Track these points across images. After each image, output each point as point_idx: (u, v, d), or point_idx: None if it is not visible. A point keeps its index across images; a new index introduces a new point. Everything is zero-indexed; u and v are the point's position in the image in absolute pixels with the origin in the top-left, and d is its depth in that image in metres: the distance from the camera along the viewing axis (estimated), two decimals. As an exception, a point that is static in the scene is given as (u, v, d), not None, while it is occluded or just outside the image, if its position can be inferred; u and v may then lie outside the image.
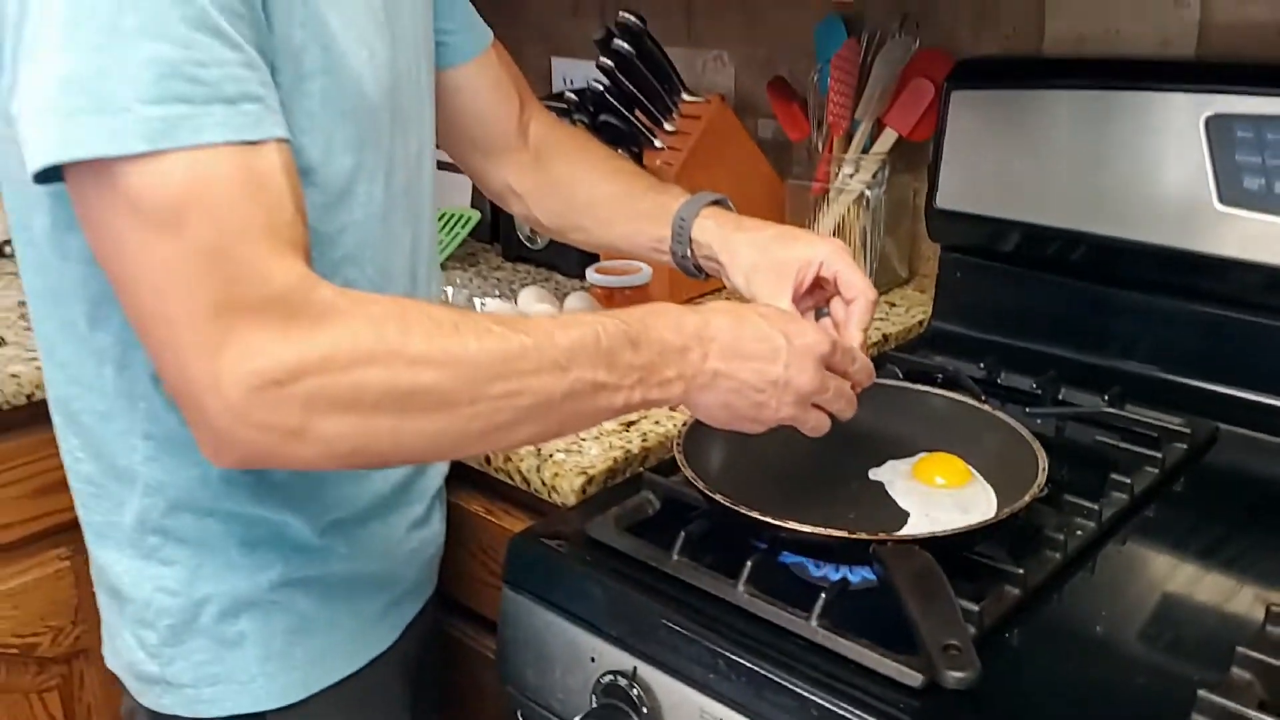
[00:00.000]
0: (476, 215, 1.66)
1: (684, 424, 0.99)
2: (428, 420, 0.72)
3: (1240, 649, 0.76)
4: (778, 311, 0.87)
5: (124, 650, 0.93)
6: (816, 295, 0.97)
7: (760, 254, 0.97)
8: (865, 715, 0.76)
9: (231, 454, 0.70)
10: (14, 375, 1.33)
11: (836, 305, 0.95)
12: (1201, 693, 0.72)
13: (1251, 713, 0.70)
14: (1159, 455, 1.04)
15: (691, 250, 1.03)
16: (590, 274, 1.35)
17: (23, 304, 1.56)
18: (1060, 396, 1.18)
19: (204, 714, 0.90)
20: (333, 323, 0.69)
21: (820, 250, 0.95)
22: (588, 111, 1.40)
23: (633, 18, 1.39)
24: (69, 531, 1.40)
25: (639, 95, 1.42)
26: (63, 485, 1.37)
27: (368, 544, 0.94)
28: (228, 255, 0.67)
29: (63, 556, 1.42)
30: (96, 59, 0.66)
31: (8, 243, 1.78)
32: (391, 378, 0.70)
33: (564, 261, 1.57)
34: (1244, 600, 0.88)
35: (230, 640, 0.89)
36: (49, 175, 0.68)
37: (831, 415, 0.87)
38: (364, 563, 0.94)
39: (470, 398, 0.72)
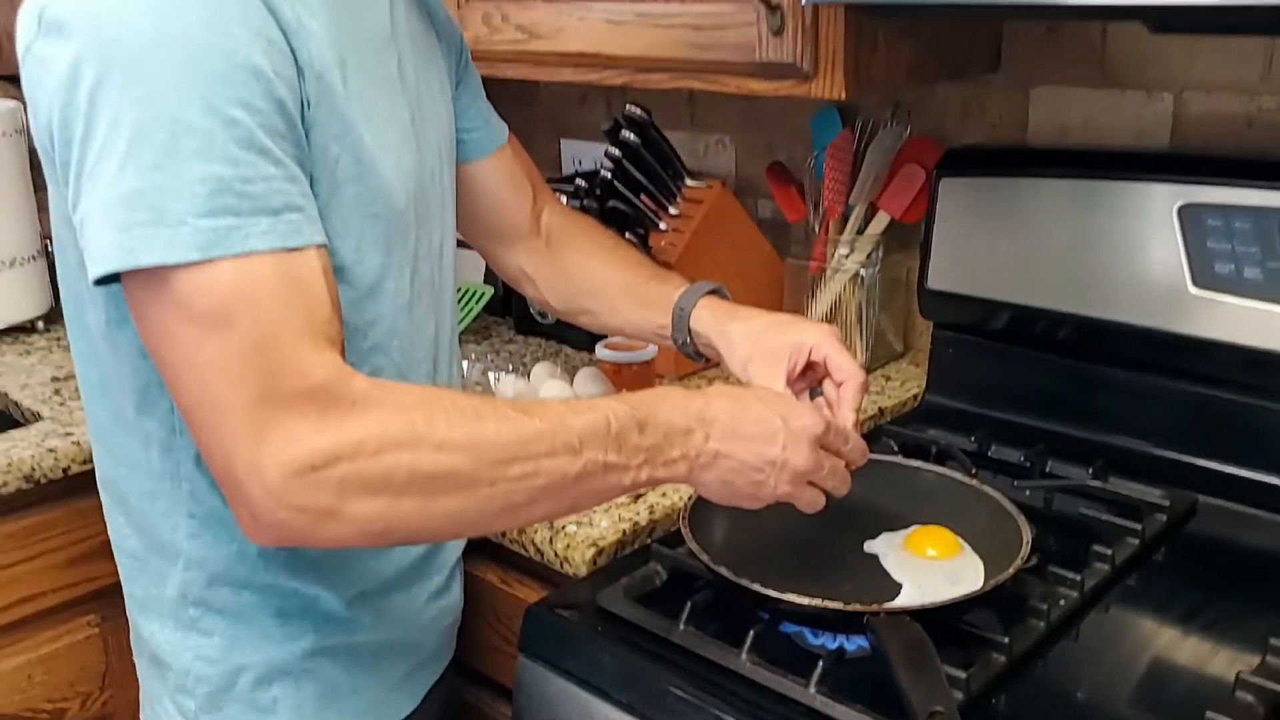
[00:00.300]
0: (490, 291, 1.73)
1: (690, 497, 1.05)
2: (451, 500, 0.78)
3: (1210, 713, 0.82)
4: (775, 395, 0.94)
5: (163, 716, 0.98)
6: (809, 377, 1.03)
7: (754, 342, 1.04)
8: (859, 774, 0.81)
9: (270, 533, 0.77)
10: (51, 450, 1.39)
11: (828, 387, 1.02)
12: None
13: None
14: (1139, 527, 1.10)
15: (691, 338, 1.09)
16: (599, 350, 1.42)
17: (56, 380, 1.63)
18: (1048, 469, 1.24)
19: (238, 777, 0.95)
20: (365, 412, 0.75)
21: (810, 336, 1.02)
22: (596, 197, 1.48)
23: (638, 110, 1.48)
24: (99, 600, 1.47)
25: (644, 181, 1.49)
26: (94, 555, 1.45)
27: (391, 614, 1.00)
28: (271, 352, 0.74)
29: (93, 624, 1.48)
30: (155, 177, 0.73)
31: (40, 319, 1.85)
32: (418, 462, 0.76)
33: (574, 336, 1.63)
34: (1217, 665, 0.93)
35: (264, 706, 0.94)
36: (107, 278, 0.75)
37: (827, 492, 0.93)
38: (388, 631, 1.00)
39: (490, 479, 0.78)
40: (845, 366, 1.00)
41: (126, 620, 1.43)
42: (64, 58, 0.75)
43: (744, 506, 0.92)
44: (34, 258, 1.84)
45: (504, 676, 1.20)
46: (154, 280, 0.74)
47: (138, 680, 1.44)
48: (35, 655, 1.43)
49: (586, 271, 1.18)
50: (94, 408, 0.94)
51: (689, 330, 1.09)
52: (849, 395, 0.99)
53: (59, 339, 1.82)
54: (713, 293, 1.11)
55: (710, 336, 1.08)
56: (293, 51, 0.80)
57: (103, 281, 0.76)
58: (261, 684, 0.94)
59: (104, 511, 0.98)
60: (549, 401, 0.90)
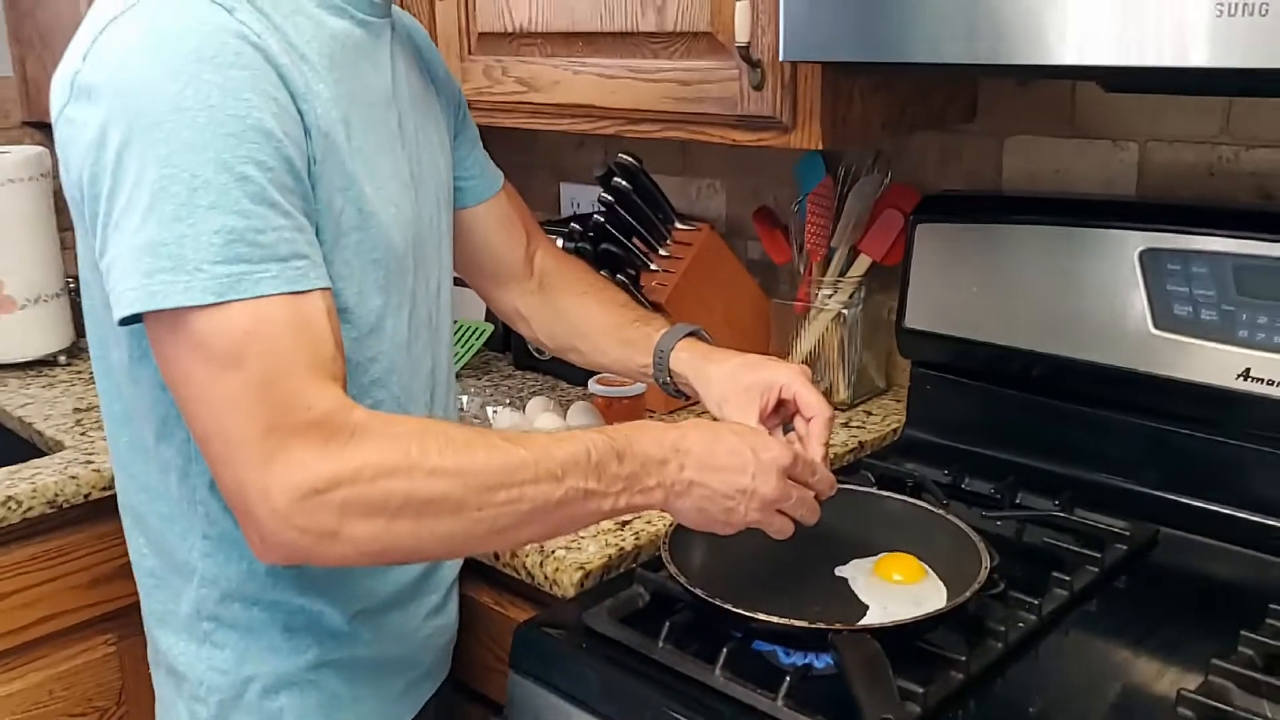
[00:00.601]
0: (489, 328, 1.81)
1: (670, 525, 1.11)
2: (443, 524, 0.85)
3: (1148, 725, 0.88)
4: (747, 428, 1.00)
5: (174, 723, 1.05)
6: (781, 413, 1.10)
7: (728, 382, 1.11)
8: (820, 782, 0.87)
9: (277, 552, 0.83)
10: (73, 477, 1.46)
11: (799, 423, 1.09)
12: (1109, 764, 0.84)
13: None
14: (1100, 555, 1.16)
15: (670, 378, 1.17)
16: (592, 385, 1.49)
17: (77, 410, 1.71)
18: (1017, 500, 1.30)
19: (246, 781, 1.02)
20: (363, 441, 0.82)
21: (781, 375, 1.09)
22: (590, 239, 1.56)
23: (630, 159, 1.55)
24: (116, 619, 1.54)
25: (635, 224, 1.57)
26: (113, 577, 1.52)
27: (390, 630, 1.07)
28: (278, 387, 0.81)
29: (110, 642, 1.54)
30: (175, 228, 0.80)
31: (61, 353, 1.93)
32: (412, 488, 0.83)
33: (569, 372, 1.70)
34: (1164, 684, 0.99)
35: (271, 714, 1.01)
36: (130, 318, 0.83)
37: (795, 520, 1.00)
38: (387, 647, 1.07)
39: (478, 504, 0.85)
40: (813, 403, 1.07)
41: (142, 639, 1.50)
42: (94, 120, 0.83)
43: (717, 532, 0.98)
44: (57, 295, 1.93)
45: (497, 694, 1.26)
46: (173, 321, 0.82)
47: (152, 696, 1.51)
48: (55, 672, 1.50)
49: (576, 313, 1.25)
50: (116, 437, 1.01)
51: (669, 370, 1.17)
52: (817, 430, 1.06)
53: (80, 373, 1.90)
54: (692, 334, 1.18)
55: (688, 377, 1.15)
56: (300, 113, 0.88)
57: (127, 321, 0.83)
58: (269, 693, 1.01)
59: (125, 533, 1.05)
60: (534, 434, 0.97)
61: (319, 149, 0.90)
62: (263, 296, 0.82)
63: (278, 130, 0.85)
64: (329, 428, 0.82)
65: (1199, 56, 0.90)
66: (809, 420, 1.07)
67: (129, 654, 1.56)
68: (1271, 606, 1.05)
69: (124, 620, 1.55)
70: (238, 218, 0.81)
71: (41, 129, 2.06)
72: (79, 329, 2.00)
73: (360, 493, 0.81)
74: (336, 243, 0.92)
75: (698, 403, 1.17)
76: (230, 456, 0.82)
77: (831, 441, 1.10)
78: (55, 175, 1.95)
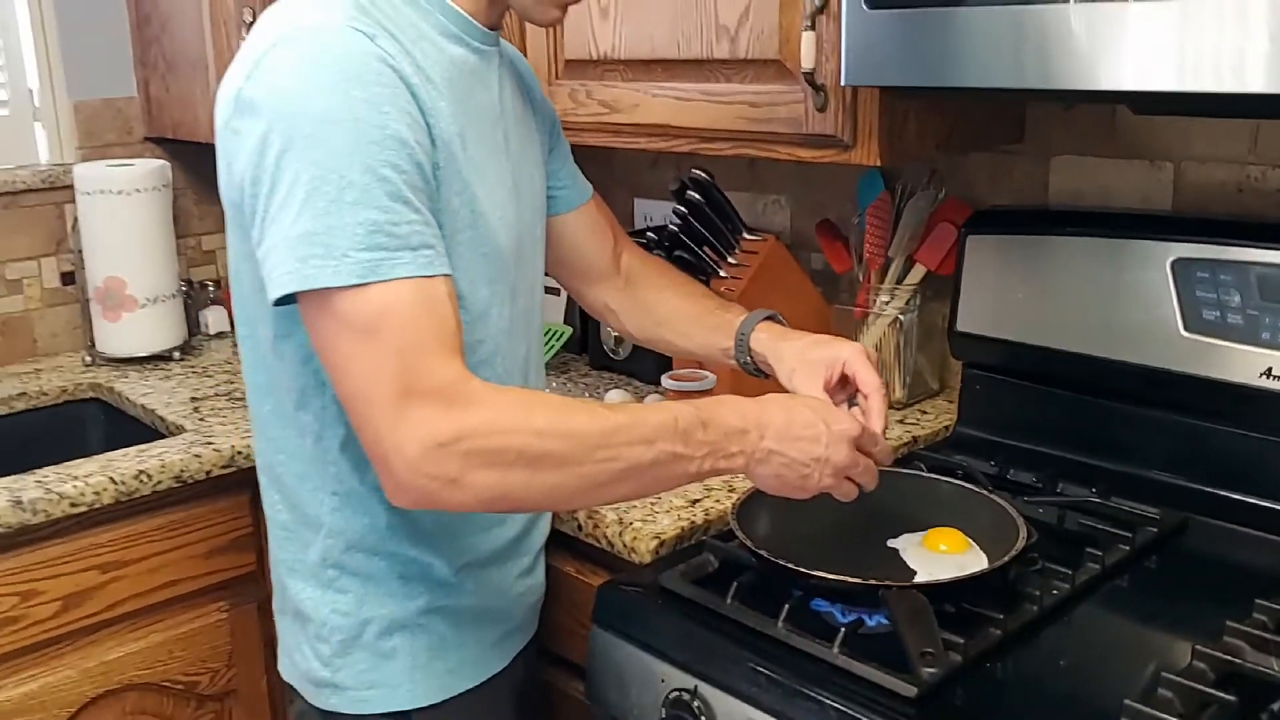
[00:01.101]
0: (569, 331, 1.95)
1: (737, 500, 1.24)
2: (550, 476, 0.98)
3: (1164, 674, 0.99)
4: (820, 402, 1.13)
5: (300, 662, 1.19)
6: (847, 389, 1.22)
7: (798, 358, 1.24)
8: (869, 715, 0.99)
9: (407, 497, 0.97)
10: (196, 455, 1.63)
11: (861, 399, 1.21)
12: (1127, 701, 0.95)
13: (1164, 716, 0.93)
14: (1131, 535, 1.27)
15: (751, 357, 1.30)
16: (665, 380, 1.63)
17: (194, 399, 1.88)
18: (1058, 489, 1.41)
19: (362, 710, 1.16)
20: (480, 405, 0.96)
21: (844, 352, 1.21)
22: (664, 248, 1.69)
23: (702, 173, 1.69)
24: (227, 589, 1.71)
25: (706, 234, 1.71)
26: (226, 549, 1.69)
27: (488, 585, 1.21)
28: (409, 356, 0.95)
29: (223, 609, 1.71)
30: (326, 220, 0.95)
31: (176, 349, 2.11)
32: (523, 444, 0.96)
33: (642, 369, 1.84)
34: (1183, 643, 1.08)
35: (385, 653, 1.15)
36: (284, 299, 0.98)
37: (859, 486, 1.12)
38: (485, 599, 1.21)
39: (580, 460, 0.98)
40: (869, 380, 1.19)
41: (249, 608, 1.68)
42: (257, 130, 0.98)
43: (793, 496, 1.10)
44: (173, 296, 2.11)
45: (576, 656, 1.40)
46: (323, 300, 0.96)
47: (258, 660, 1.68)
48: (176, 633, 1.66)
49: (661, 305, 1.39)
50: (259, 405, 1.16)
51: (749, 350, 1.30)
52: (876, 405, 1.18)
53: (193, 366, 2.07)
54: (769, 318, 1.31)
55: (765, 354, 1.28)
56: (427, 126, 1.02)
57: (281, 302, 0.98)
58: (384, 634, 1.15)
59: (261, 491, 1.21)
60: (628, 404, 1.10)
61: (441, 157, 1.04)
62: (397, 279, 0.96)
63: (410, 139, 0.99)
64: (452, 392, 0.95)
65: (1225, 82, 1.01)
66: (865, 397, 1.19)
67: (238, 621, 1.73)
68: (1286, 579, 1.15)
69: (234, 590, 1.72)
70: (378, 212, 0.96)
71: (161, 144, 2.25)
72: (191, 327, 2.19)
73: (479, 446, 0.95)
74: (453, 238, 1.07)
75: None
76: (370, 414, 0.96)
77: (888, 437, 1.22)
78: (175, 187, 2.13)
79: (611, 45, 1.64)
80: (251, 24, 1.87)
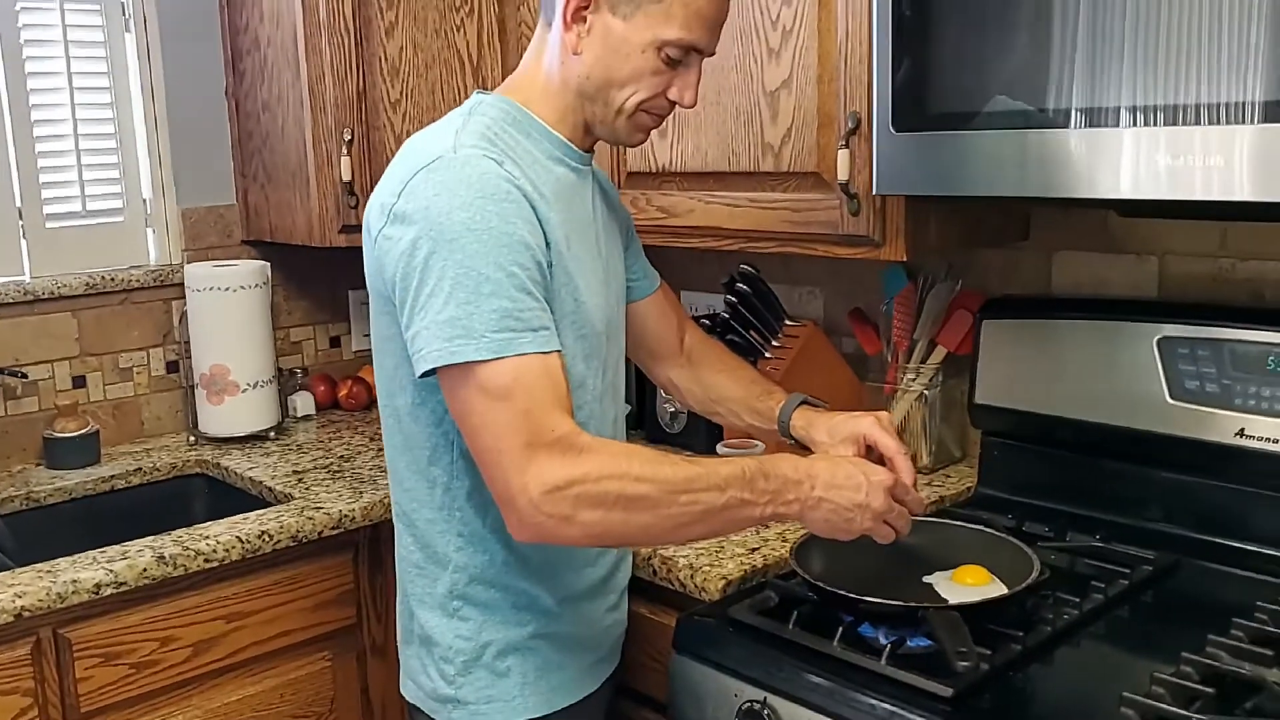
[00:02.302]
0: (628, 407, 2.18)
1: (792, 545, 1.46)
2: (643, 516, 1.20)
3: (1157, 674, 1.20)
4: (859, 460, 1.35)
5: (425, 682, 1.40)
6: (873, 455, 1.43)
7: (830, 434, 1.47)
8: (914, 712, 1.20)
9: (528, 532, 1.20)
10: (310, 518, 1.85)
11: (889, 461, 1.41)
12: (1125, 694, 1.16)
13: (1156, 704, 1.14)
14: (1130, 572, 1.48)
15: (791, 436, 1.53)
16: (720, 448, 1.86)
17: (297, 472, 2.11)
18: (1067, 537, 1.63)
19: (482, 721, 1.37)
20: (590, 456, 1.19)
21: (862, 425, 1.43)
22: (717, 332, 1.94)
23: (749, 268, 1.95)
24: (331, 640, 1.91)
25: (754, 321, 1.95)
26: (330, 603, 1.91)
27: (583, 616, 1.43)
28: (533, 416, 1.18)
29: (326, 659, 1.91)
30: (467, 308, 1.19)
31: (272, 429, 2.34)
32: (623, 488, 1.19)
33: (695, 441, 2.07)
34: (1174, 654, 1.29)
35: (501, 672, 1.37)
36: (428, 372, 1.21)
37: (896, 530, 1.33)
38: (581, 628, 1.42)
39: (668, 504, 1.20)
40: (888, 445, 1.41)
41: (350, 657, 1.88)
42: (408, 237, 1.22)
43: (840, 538, 1.31)
44: (270, 381, 2.35)
45: (650, 688, 1.60)
46: (464, 372, 1.20)
47: (356, 706, 1.88)
48: (285, 680, 1.86)
49: (718, 387, 1.63)
50: (395, 461, 1.39)
51: (789, 428, 1.53)
52: (900, 465, 1.39)
53: (288, 444, 2.31)
54: (804, 403, 1.54)
55: (802, 438, 1.51)
56: (544, 232, 1.27)
57: (427, 374, 1.22)
58: (501, 656, 1.36)
59: (396, 535, 1.43)
60: (703, 457, 1.32)
61: (553, 256, 1.29)
62: (524, 354, 1.20)
63: (532, 242, 1.24)
64: (566, 444, 1.18)
65: (1197, 191, 1.25)
66: (890, 459, 1.40)
67: (340, 669, 1.93)
68: (1259, 604, 1.36)
69: (337, 641, 1.93)
70: (508, 301, 1.20)
71: (257, 245, 2.52)
72: (284, 409, 2.43)
73: (588, 490, 1.17)
74: (560, 322, 1.30)
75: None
76: (500, 462, 1.19)
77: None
78: (273, 285, 2.39)
79: (669, 160, 1.90)
80: (350, 141, 2.16)
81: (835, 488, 1.28)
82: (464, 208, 1.21)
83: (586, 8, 1.29)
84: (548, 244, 1.27)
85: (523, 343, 1.20)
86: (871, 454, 1.44)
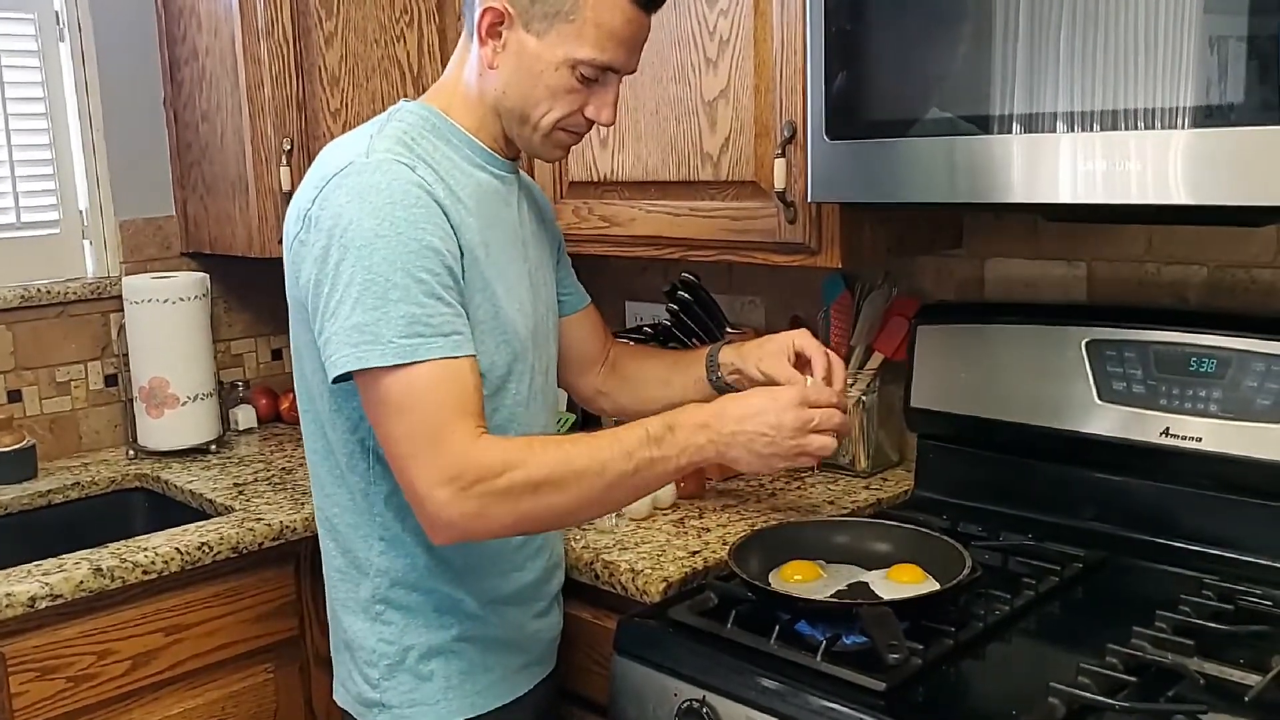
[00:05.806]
0: (571, 417, 2.20)
1: (732, 547, 1.48)
2: (553, 498, 1.21)
3: (1083, 664, 1.23)
4: (765, 388, 1.36)
5: (352, 687, 1.41)
6: (806, 369, 1.44)
7: (759, 350, 1.49)
8: (848, 706, 1.22)
9: (443, 534, 1.22)
10: (250, 529, 1.84)
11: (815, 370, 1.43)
12: (1052, 684, 1.19)
13: (1082, 694, 1.17)
14: (1060, 569, 1.52)
15: (722, 371, 1.53)
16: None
17: (237, 485, 2.09)
18: (1000, 537, 1.66)
19: (406, 727, 1.37)
20: (489, 450, 1.20)
21: (792, 334, 1.46)
22: (659, 340, 1.96)
23: (692, 276, 1.97)
24: (272, 652, 1.90)
25: (696, 329, 1.97)
26: (272, 615, 1.90)
27: (510, 621, 1.43)
28: (439, 420, 1.19)
29: (269, 670, 1.90)
30: (374, 314, 1.20)
31: (212, 442, 2.33)
32: (527, 475, 1.20)
33: (639, 451, 2.08)
34: (1102, 645, 1.32)
35: (424, 675, 1.37)
36: (340, 378, 1.21)
37: (832, 435, 1.31)
38: (507, 632, 1.43)
39: (574, 481, 1.22)
40: (813, 346, 1.43)
41: (293, 668, 1.88)
42: (320, 243, 1.23)
43: (774, 467, 1.31)
44: (210, 394, 2.33)
45: (592, 690, 1.61)
46: (372, 378, 1.20)
47: (300, 718, 1.87)
48: (228, 692, 1.85)
49: (639, 371, 1.64)
50: (317, 467, 1.39)
51: (719, 365, 1.53)
52: (819, 364, 1.41)
53: (229, 457, 2.29)
54: (727, 344, 1.56)
55: (734, 361, 1.52)
56: (457, 238, 1.27)
57: (339, 380, 1.22)
58: (423, 659, 1.37)
59: (320, 540, 1.43)
60: (605, 430, 1.32)
61: (467, 263, 1.29)
62: (431, 360, 1.20)
63: (442, 248, 1.24)
64: (467, 445, 1.19)
65: (1116, 195, 1.29)
66: (812, 359, 1.42)
67: (282, 681, 1.92)
68: (1183, 596, 1.40)
69: (279, 652, 1.92)
70: (416, 307, 1.20)
71: (196, 257, 2.50)
72: (225, 422, 2.41)
73: (494, 485, 1.19)
74: (477, 326, 1.30)
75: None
76: (409, 467, 1.20)
77: (855, 500, 1.48)
78: (212, 297, 2.38)
79: (611, 169, 1.92)
80: (290, 151, 2.15)
81: (745, 419, 1.28)
82: (373, 214, 1.22)
83: (501, 24, 1.30)
84: (461, 250, 1.28)
85: (431, 348, 1.21)
86: (805, 369, 1.44)
